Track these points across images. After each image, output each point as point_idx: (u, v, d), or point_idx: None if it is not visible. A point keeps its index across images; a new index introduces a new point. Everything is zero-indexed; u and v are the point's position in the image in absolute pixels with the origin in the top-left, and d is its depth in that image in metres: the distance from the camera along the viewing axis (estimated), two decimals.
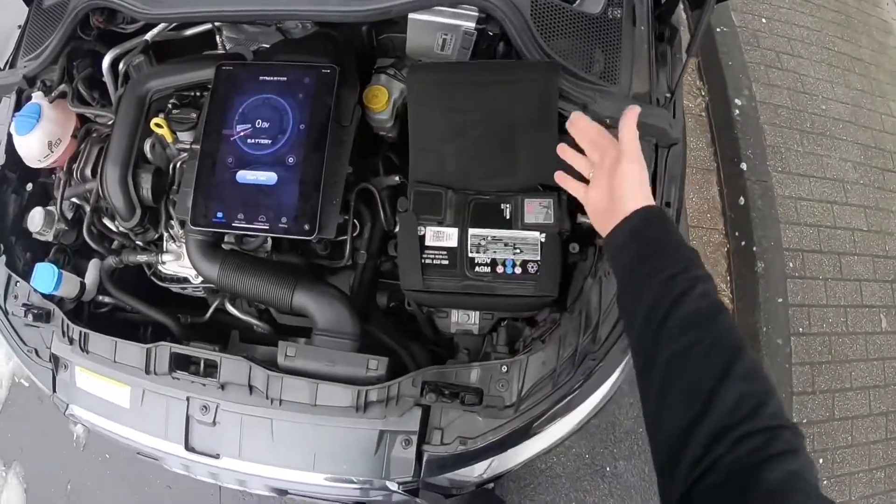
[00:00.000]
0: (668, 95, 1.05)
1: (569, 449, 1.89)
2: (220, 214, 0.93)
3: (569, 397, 0.90)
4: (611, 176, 0.70)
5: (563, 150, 0.79)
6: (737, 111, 2.23)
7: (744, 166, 2.17)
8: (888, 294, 2.31)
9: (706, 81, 2.41)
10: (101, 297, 1.16)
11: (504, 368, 0.87)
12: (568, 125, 0.77)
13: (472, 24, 0.97)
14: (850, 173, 2.39)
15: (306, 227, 0.89)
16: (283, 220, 0.90)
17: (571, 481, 1.86)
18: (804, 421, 2.03)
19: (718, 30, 2.36)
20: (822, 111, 2.44)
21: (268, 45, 1.12)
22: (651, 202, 0.68)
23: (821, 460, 2.04)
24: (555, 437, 1.03)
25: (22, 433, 2.15)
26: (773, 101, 2.34)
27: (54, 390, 1.07)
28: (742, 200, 2.14)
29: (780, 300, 2.05)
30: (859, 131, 2.50)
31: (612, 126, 0.96)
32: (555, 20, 0.97)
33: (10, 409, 2.21)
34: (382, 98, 1.02)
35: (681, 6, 1.13)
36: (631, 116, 0.72)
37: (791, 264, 2.13)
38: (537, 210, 0.90)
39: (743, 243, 2.13)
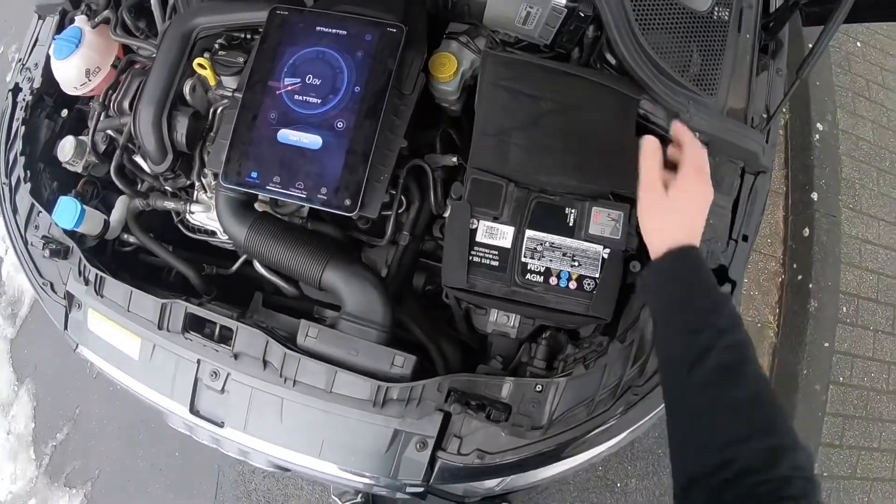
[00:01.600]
0: (765, 116, 0.94)
1: None
2: (254, 174, 0.86)
3: (602, 427, 0.82)
4: (687, 188, 0.70)
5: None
6: (817, 136, 2.06)
7: (814, 196, 2.02)
8: None
9: (790, 99, 2.22)
10: (125, 237, 1.11)
11: (538, 388, 0.80)
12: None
13: (563, 0, 0.86)
14: None
15: (347, 201, 0.82)
16: (323, 190, 0.83)
17: (580, 491, 1.82)
18: (825, 474, 1.94)
19: (810, 45, 2.17)
20: None
21: None
22: (694, 240, 0.68)
23: None
24: (578, 462, 0.97)
25: (38, 351, 2.18)
26: (856, 132, 2.17)
27: (66, 328, 1.05)
28: (807, 232, 2.00)
29: (826, 344, 1.93)
30: None
31: (701, 141, 0.86)
32: (656, 10, 0.86)
33: (29, 325, 2.25)
34: (451, 67, 0.92)
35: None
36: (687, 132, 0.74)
37: (844, 309, 2.00)
38: (605, 221, 0.80)
39: (800, 277, 2.00)
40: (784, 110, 2.19)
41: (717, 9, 0.92)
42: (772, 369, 2.01)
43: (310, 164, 0.85)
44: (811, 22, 1.05)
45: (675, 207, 0.68)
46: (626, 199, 0.82)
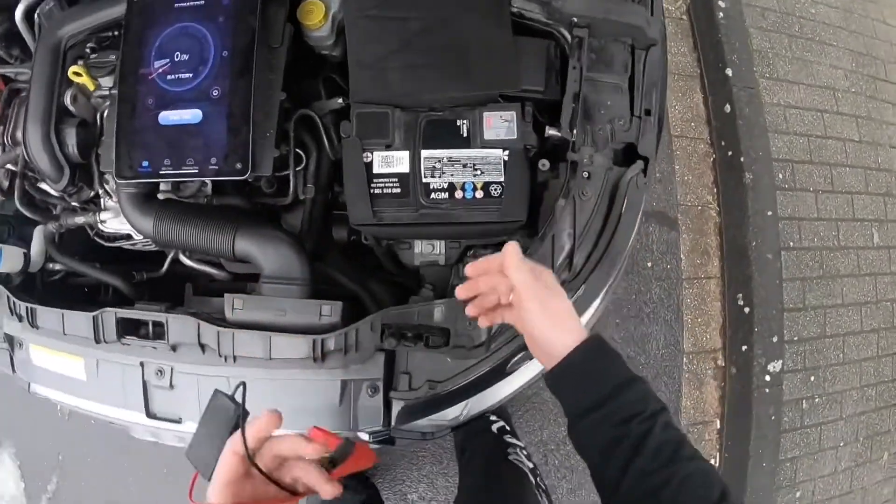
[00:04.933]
0: None
1: None
2: (145, 163, 0.85)
3: None
4: (522, 310, 0.65)
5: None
6: (721, 14, 2.08)
7: (729, 72, 2.04)
8: (880, 208, 2.25)
9: None
10: (50, 265, 1.10)
11: None
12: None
13: None
14: (842, 81, 2.28)
15: (238, 165, 0.81)
16: (213, 160, 0.82)
17: (558, 405, 1.87)
18: (795, 338, 2.03)
19: None
20: (812, 15, 2.30)
21: None
22: (581, 332, 0.63)
23: (812, 378, 2.05)
24: (533, 373, 0.99)
25: (6, 412, 2.13)
26: (759, 3, 2.19)
27: (13, 370, 1.04)
28: (728, 108, 2.03)
29: (769, 213, 1.99)
30: (850, 37, 2.37)
31: (580, 25, 0.85)
32: None
33: None
34: (319, 12, 0.90)
35: None
36: (509, 252, 0.65)
37: (780, 175, 2.05)
38: (498, 124, 0.80)
39: (730, 153, 2.04)
40: None
41: None
42: (721, 247, 2.06)
43: (195, 138, 0.84)
44: None
45: (532, 328, 0.65)
46: (514, 98, 0.81)
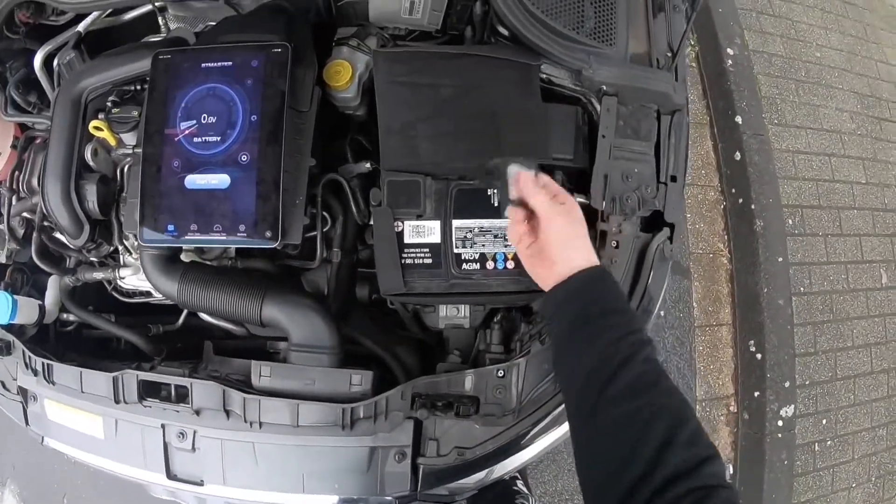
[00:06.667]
0: (669, 55, 0.94)
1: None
2: (171, 227, 0.83)
3: None
4: (543, 229, 0.70)
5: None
6: (729, 61, 2.13)
7: (739, 119, 2.08)
8: (888, 248, 2.28)
9: (695, 30, 2.28)
10: (64, 316, 1.08)
11: (500, 373, 0.80)
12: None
13: None
14: (847, 123, 2.32)
15: (268, 233, 0.80)
16: (242, 227, 0.81)
17: (574, 457, 1.85)
18: (807, 382, 2.03)
19: None
20: (817, 59, 2.35)
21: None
22: (594, 260, 0.68)
23: (824, 421, 2.05)
24: (560, 434, 0.97)
25: (12, 450, 2.10)
26: (767, 49, 2.24)
27: (27, 423, 1.02)
28: (738, 156, 2.06)
29: (780, 259, 2.01)
30: (855, 79, 2.43)
31: (608, 93, 0.87)
32: None
33: None
34: (345, 73, 0.91)
35: None
36: (522, 180, 0.71)
37: (790, 221, 2.07)
38: None
39: (740, 200, 2.06)
40: (692, 42, 2.26)
41: None
42: (732, 294, 2.07)
43: (223, 204, 0.82)
44: None
45: (550, 242, 0.68)
46: (544, 167, 0.81)
